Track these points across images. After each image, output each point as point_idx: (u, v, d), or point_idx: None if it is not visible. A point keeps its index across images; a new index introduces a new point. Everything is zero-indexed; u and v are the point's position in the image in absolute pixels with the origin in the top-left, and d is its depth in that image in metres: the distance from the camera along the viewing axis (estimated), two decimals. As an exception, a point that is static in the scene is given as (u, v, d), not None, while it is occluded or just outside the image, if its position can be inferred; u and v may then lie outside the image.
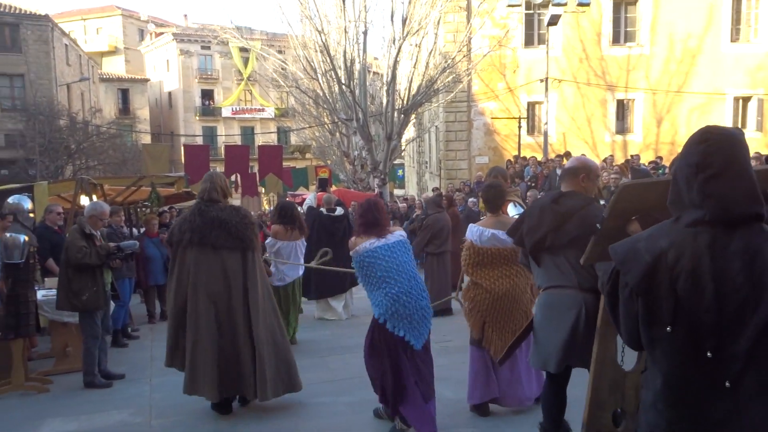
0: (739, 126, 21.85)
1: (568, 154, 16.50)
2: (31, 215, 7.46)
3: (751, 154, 2.56)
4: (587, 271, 3.19)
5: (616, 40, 22.04)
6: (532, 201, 10.46)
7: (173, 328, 4.79)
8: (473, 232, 4.45)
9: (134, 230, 11.16)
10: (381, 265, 4.00)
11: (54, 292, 6.55)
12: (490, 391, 4.41)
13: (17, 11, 30.69)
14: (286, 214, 7.12)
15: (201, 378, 4.61)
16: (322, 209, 8.88)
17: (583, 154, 16.48)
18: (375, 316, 4.10)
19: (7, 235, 5.67)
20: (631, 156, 15.83)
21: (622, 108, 22.60)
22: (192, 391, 4.68)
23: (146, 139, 38.96)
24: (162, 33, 47.48)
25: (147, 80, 46.63)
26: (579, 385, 3.38)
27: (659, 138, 21.86)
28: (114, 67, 48.57)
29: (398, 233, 4.23)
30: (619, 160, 17.43)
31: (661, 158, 15.97)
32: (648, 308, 1.73)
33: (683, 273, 1.66)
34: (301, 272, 7.24)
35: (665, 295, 1.68)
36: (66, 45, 34.72)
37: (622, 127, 22.61)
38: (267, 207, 27.09)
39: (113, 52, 49.35)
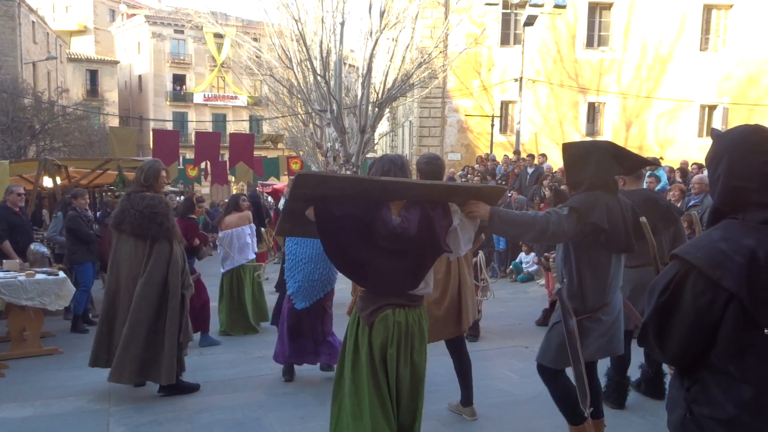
0: (704, 134, 22.43)
1: (543, 156, 16.63)
2: (-9, 195, 7.23)
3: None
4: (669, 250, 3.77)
5: (590, 43, 22.36)
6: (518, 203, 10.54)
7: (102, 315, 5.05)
8: None
9: (98, 214, 10.91)
10: (305, 242, 4.92)
11: (12, 274, 6.36)
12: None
13: (-18, -15, 29.66)
14: (231, 203, 7.80)
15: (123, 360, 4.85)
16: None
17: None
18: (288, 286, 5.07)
19: (-36, 213, 5.47)
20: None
21: (593, 111, 22.93)
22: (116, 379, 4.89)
23: (114, 122, 38.08)
24: (134, 14, 46.38)
25: (117, 62, 45.55)
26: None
27: (627, 142, 22.24)
28: (83, 47, 47.28)
29: None
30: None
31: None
32: (744, 312, 1.59)
33: None
34: (251, 256, 7.57)
35: (764, 295, 1.57)
36: (33, 22, 33.67)
37: (592, 130, 22.96)
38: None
39: (83, 31, 48.04)
